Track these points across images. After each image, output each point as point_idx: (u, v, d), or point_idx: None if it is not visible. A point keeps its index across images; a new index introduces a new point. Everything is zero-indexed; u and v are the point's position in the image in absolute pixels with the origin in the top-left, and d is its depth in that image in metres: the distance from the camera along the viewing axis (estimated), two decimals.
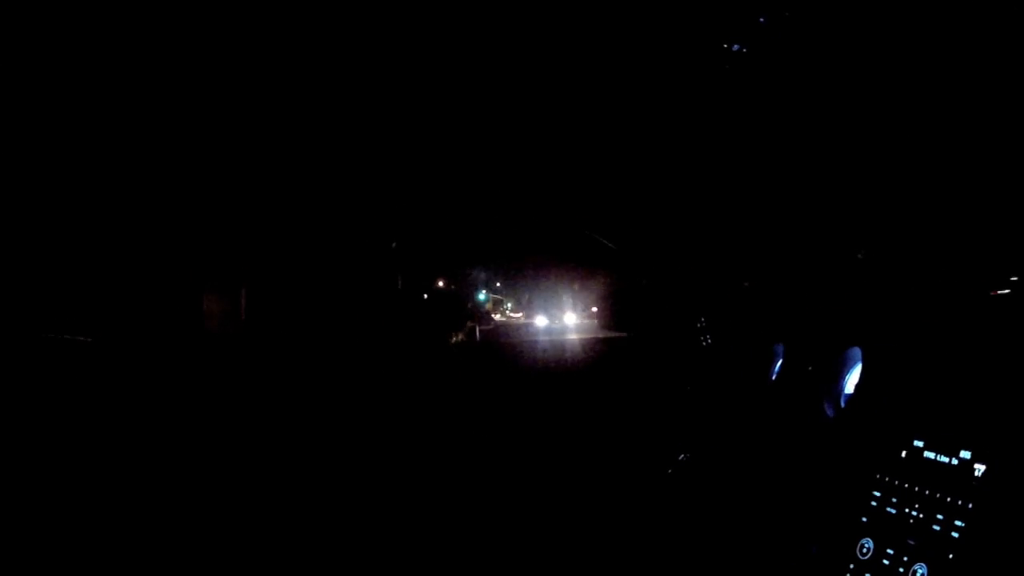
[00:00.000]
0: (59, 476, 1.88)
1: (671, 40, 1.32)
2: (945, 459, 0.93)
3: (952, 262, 1.19)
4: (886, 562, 0.92)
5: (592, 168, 2.00)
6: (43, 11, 1.35)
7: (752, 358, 1.70)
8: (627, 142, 1.81)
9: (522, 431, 2.91)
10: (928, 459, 0.96)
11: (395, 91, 1.68)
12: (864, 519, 1.00)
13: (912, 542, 0.90)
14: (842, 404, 1.30)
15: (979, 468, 0.87)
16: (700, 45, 1.30)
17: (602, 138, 1.82)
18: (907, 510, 0.94)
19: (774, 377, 1.59)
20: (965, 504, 0.86)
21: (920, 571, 0.87)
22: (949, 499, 0.89)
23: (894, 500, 0.97)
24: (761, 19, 1.18)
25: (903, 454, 1.00)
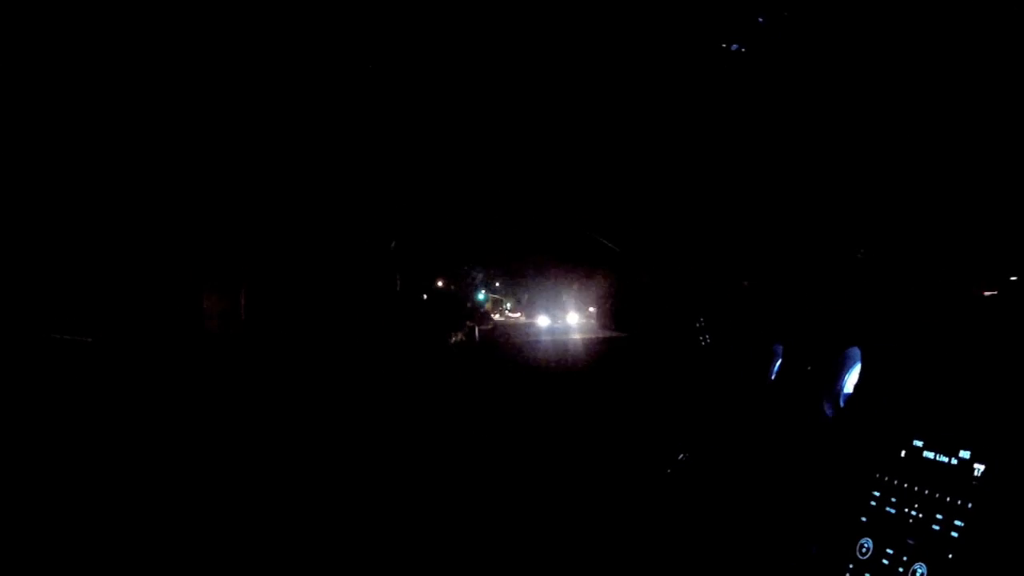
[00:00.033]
0: (60, 476, 1.88)
1: (670, 40, 1.32)
2: (944, 459, 0.93)
3: (951, 262, 1.19)
4: (885, 562, 0.92)
5: (591, 168, 2.00)
6: (43, 11, 1.35)
7: (751, 358, 1.70)
8: (626, 142, 1.81)
9: (522, 431, 2.91)
10: (927, 459, 0.96)
11: (394, 91, 1.68)
12: (864, 519, 1.00)
13: (912, 542, 0.90)
14: (841, 404, 1.30)
15: (978, 468, 0.87)
16: (699, 45, 1.30)
17: (601, 138, 1.82)
18: (906, 510, 0.94)
19: (773, 377, 1.59)
20: (964, 504, 0.86)
21: (920, 571, 0.87)
22: (948, 499, 0.89)
23: (893, 500, 0.97)
24: (760, 19, 1.18)
25: (902, 454, 1.00)
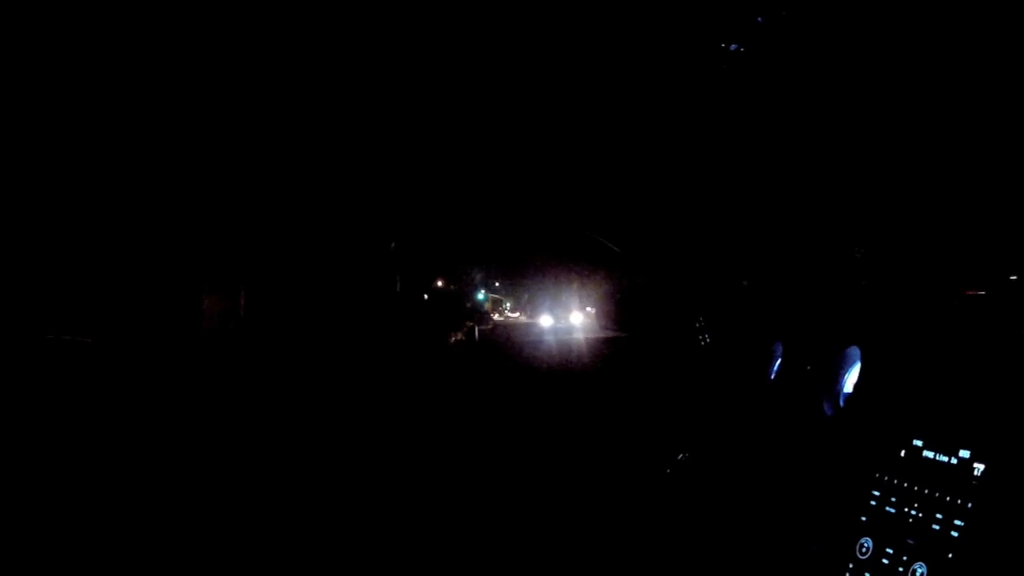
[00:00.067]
0: (60, 475, 1.88)
1: (669, 40, 1.32)
2: (944, 458, 0.93)
3: (951, 261, 1.19)
4: (885, 561, 0.92)
5: (591, 168, 2.00)
6: (43, 11, 1.35)
7: (751, 357, 1.70)
8: (625, 142, 1.81)
9: (522, 431, 2.91)
10: (927, 458, 0.96)
11: (394, 91, 1.68)
12: (863, 518, 1.00)
13: (911, 541, 0.90)
14: (841, 403, 1.30)
15: (978, 467, 0.87)
16: (698, 45, 1.30)
17: (600, 138, 1.82)
18: (906, 509, 0.94)
19: (773, 377, 1.59)
20: (964, 503, 0.86)
21: (920, 570, 0.87)
22: (948, 498, 0.89)
23: (893, 499, 0.97)
24: (759, 19, 1.18)
25: (902, 453, 1.00)
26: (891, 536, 0.94)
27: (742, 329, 1.89)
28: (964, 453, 0.90)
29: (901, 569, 0.89)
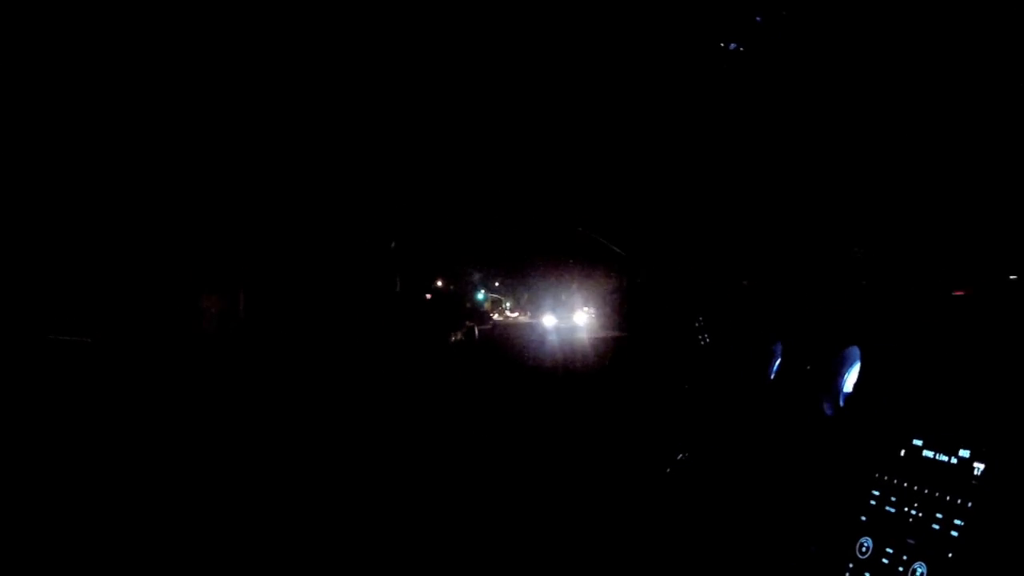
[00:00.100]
0: (60, 474, 1.88)
1: (668, 39, 1.32)
2: (944, 458, 0.93)
3: (951, 261, 1.19)
4: (885, 561, 0.92)
5: (590, 168, 2.00)
6: (43, 11, 1.35)
7: (751, 357, 1.70)
8: (625, 141, 1.81)
9: (522, 430, 2.91)
10: (927, 458, 0.96)
11: (394, 91, 1.68)
12: (863, 518, 1.00)
13: (911, 541, 0.90)
14: (841, 403, 1.30)
15: (978, 467, 0.87)
16: (697, 44, 1.30)
17: (600, 137, 1.82)
18: (906, 509, 0.94)
19: (773, 376, 1.59)
20: (964, 503, 0.86)
21: (919, 570, 0.87)
22: (948, 498, 0.89)
23: (893, 499, 0.97)
24: (758, 18, 1.18)
25: (902, 453, 1.00)
26: (891, 536, 0.94)
27: (742, 329, 1.89)
28: (964, 453, 0.90)
29: (901, 569, 0.89)
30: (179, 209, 2.22)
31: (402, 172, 2.23)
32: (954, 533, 0.85)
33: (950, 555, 0.84)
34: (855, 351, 1.28)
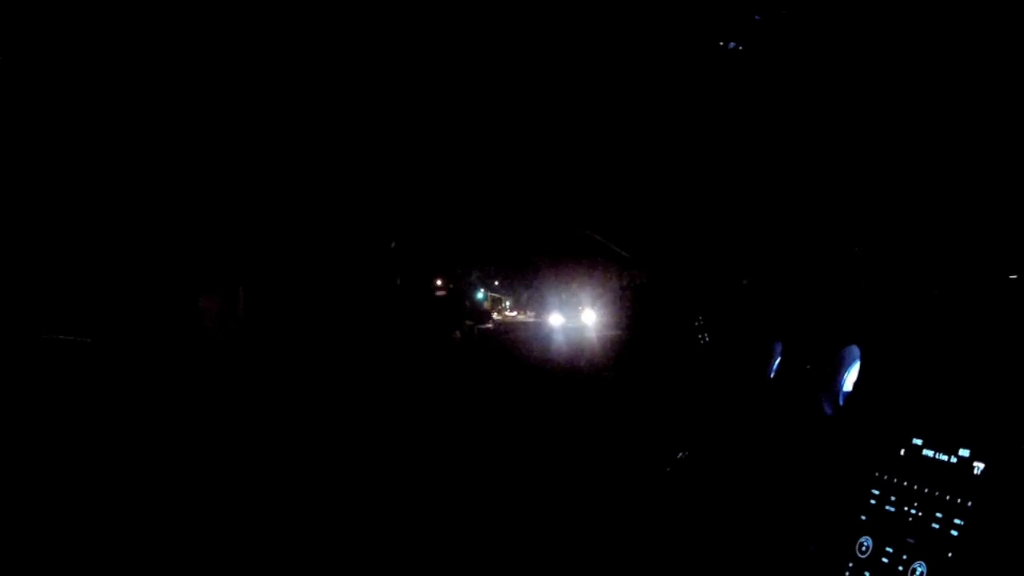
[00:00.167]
0: (60, 473, 1.88)
1: (668, 38, 1.32)
2: (944, 457, 0.93)
3: (950, 259, 1.19)
4: (885, 560, 0.92)
5: (590, 168, 2.00)
6: (43, 12, 1.34)
7: (751, 356, 1.70)
8: (624, 140, 1.81)
9: (522, 430, 2.91)
10: (927, 457, 0.95)
11: (394, 91, 1.68)
12: (863, 517, 1.00)
13: (911, 540, 0.90)
14: (841, 402, 1.30)
15: (978, 466, 0.87)
16: (697, 43, 1.29)
17: (600, 137, 1.82)
18: (906, 508, 0.94)
19: (772, 375, 1.59)
20: (964, 502, 0.86)
21: (919, 569, 0.87)
22: (948, 497, 0.88)
23: (893, 498, 0.97)
24: (757, 17, 1.18)
25: (902, 452, 1.00)
26: (891, 535, 0.94)
27: (742, 328, 1.89)
28: (964, 452, 0.90)
29: (901, 568, 0.89)
30: (179, 209, 2.22)
31: (402, 172, 2.23)
32: (954, 532, 0.85)
33: (950, 554, 0.84)
34: (855, 350, 1.28)
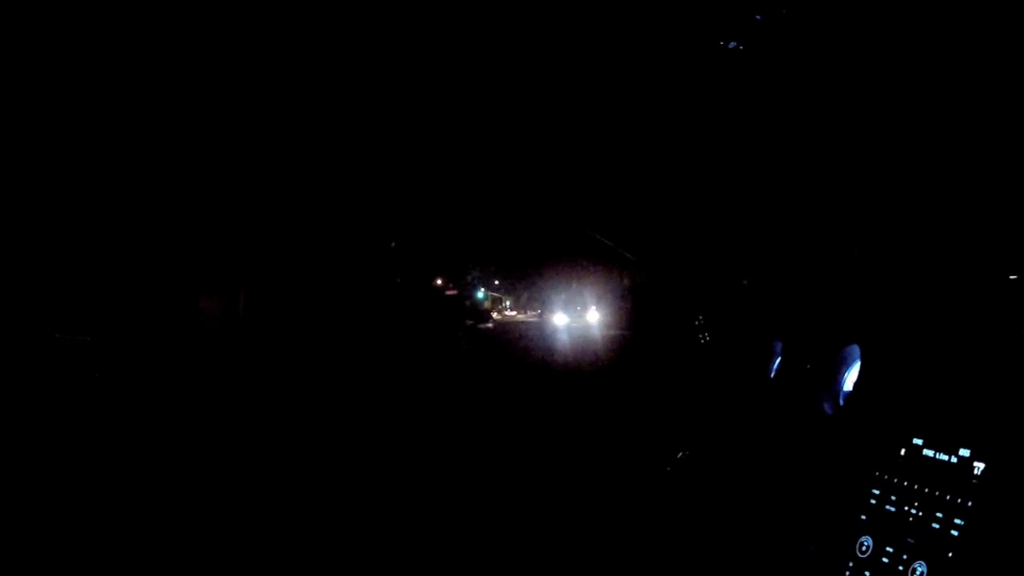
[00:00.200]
0: (59, 472, 1.88)
1: (669, 38, 1.32)
2: (944, 457, 0.93)
3: (951, 259, 1.19)
4: (885, 560, 0.92)
5: (591, 167, 2.00)
6: (43, 12, 1.34)
7: (751, 356, 1.70)
8: (625, 140, 1.81)
9: (522, 429, 2.92)
10: (927, 457, 0.95)
11: (394, 93, 1.67)
12: (863, 517, 1.00)
13: (911, 540, 0.90)
14: (841, 402, 1.30)
15: (978, 466, 0.87)
16: (697, 43, 1.29)
17: (601, 136, 1.81)
18: (906, 508, 0.94)
19: (773, 375, 1.59)
20: (964, 502, 0.86)
21: (919, 569, 0.87)
22: (948, 497, 0.88)
23: (893, 498, 0.97)
24: (758, 17, 1.18)
25: (902, 452, 1.00)
26: (891, 535, 0.94)
27: (742, 327, 1.89)
28: (964, 452, 0.90)
29: (901, 568, 0.89)
30: (179, 209, 2.22)
31: (402, 173, 2.23)
32: (954, 532, 0.85)
33: (950, 554, 0.84)
34: (855, 350, 1.28)
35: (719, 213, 1.98)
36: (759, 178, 1.72)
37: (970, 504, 0.85)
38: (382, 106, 1.78)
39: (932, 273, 1.22)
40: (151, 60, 1.52)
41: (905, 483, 0.96)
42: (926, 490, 0.92)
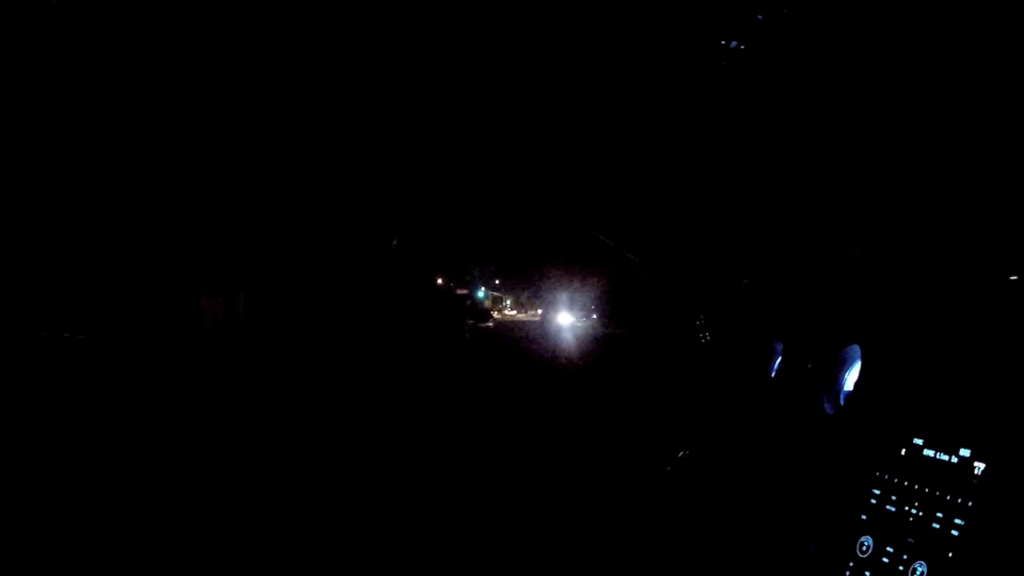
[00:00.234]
0: (58, 472, 1.89)
1: (670, 37, 1.32)
2: (945, 457, 0.93)
3: (951, 259, 1.19)
4: (885, 560, 0.92)
5: (592, 167, 2.00)
6: (44, 11, 1.34)
7: (752, 355, 1.70)
8: (626, 140, 1.81)
9: (522, 429, 2.92)
10: (928, 457, 0.96)
11: (395, 92, 1.68)
12: (864, 517, 1.00)
13: (912, 540, 0.90)
14: (841, 402, 1.30)
15: (979, 466, 0.87)
16: (698, 42, 1.29)
17: (602, 136, 1.81)
18: (907, 508, 0.94)
19: (773, 374, 1.59)
20: (965, 502, 0.86)
21: (920, 569, 0.87)
22: (949, 497, 0.89)
23: (894, 498, 0.97)
24: (759, 16, 1.18)
25: (903, 452, 1.00)
26: (891, 535, 0.94)
27: (743, 327, 1.89)
28: (964, 452, 0.90)
29: (901, 568, 0.89)
30: (179, 208, 2.22)
31: (402, 171, 2.23)
32: (954, 532, 0.85)
33: (950, 554, 0.84)
34: (856, 350, 1.28)
35: (720, 213, 1.98)
36: (760, 178, 1.72)
37: (970, 504, 0.85)
38: (383, 107, 1.78)
39: (932, 273, 1.22)
40: (153, 58, 1.52)
41: (905, 483, 0.96)
42: (926, 490, 0.92)
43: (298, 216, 2.44)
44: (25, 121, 1.73)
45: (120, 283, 2.21)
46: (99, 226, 2.15)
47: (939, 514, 0.88)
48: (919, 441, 0.98)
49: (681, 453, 1.85)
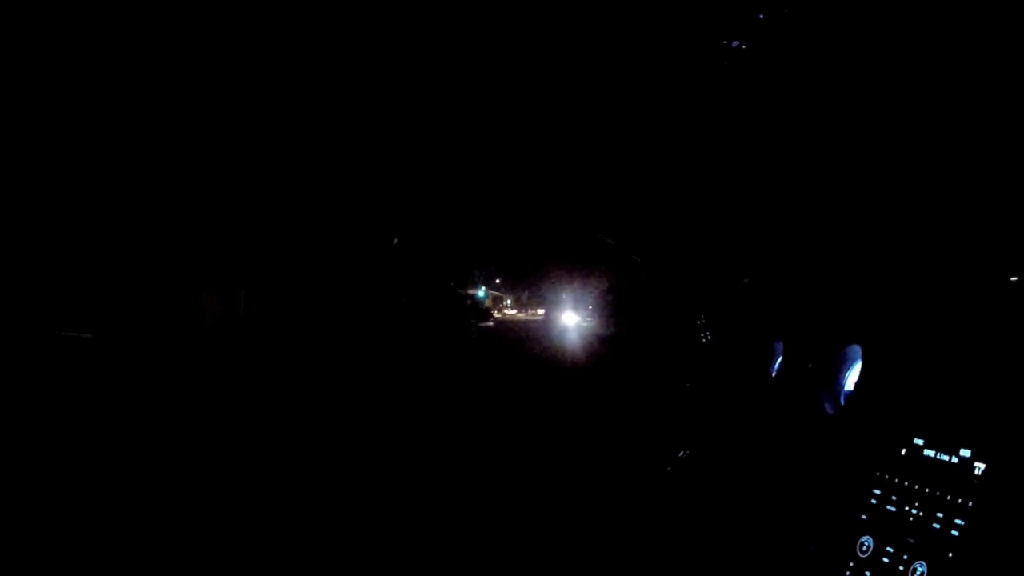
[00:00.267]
0: (59, 471, 1.89)
1: (671, 36, 1.32)
2: (945, 457, 0.93)
3: (951, 260, 1.19)
4: (886, 560, 0.92)
5: (592, 166, 2.00)
6: (44, 10, 1.35)
7: (752, 355, 1.70)
8: (627, 140, 1.81)
9: (522, 429, 2.92)
10: (928, 457, 0.96)
11: (395, 91, 1.68)
12: (864, 517, 1.00)
13: (912, 540, 0.90)
14: (842, 402, 1.30)
15: (979, 466, 0.87)
16: (700, 42, 1.29)
17: (603, 136, 1.81)
18: (907, 508, 0.94)
19: (774, 374, 1.59)
20: (965, 502, 0.86)
21: (920, 569, 0.87)
22: (949, 497, 0.89)
23: (894, 498, 0.97)
24: (760, 16, 1.18)
25: (903, 452, 1.00)
26: (892, 535, 0.94)
27: (743, 327, 1.89)
28: (965, 452, 0.90)
29: (901, 568, 0.90)
30: (180, 207, 2.22)
31: (403, 169, 2.23)
32: (955, 532, 0.85)
33: (950, 554, 0.84)
34: (856, 350, 1.28)
35: (720, 213, 1.98)
36: (761, 177, 1.72)
37: (970, 504, 0.86)
38: (384, 107, 1.78)
39: (933, 274, 1.22)
40: (154, 57, 1.52)
41: (906, 483, 0.96)
42: (927, 490, 0.93)
43: (299, 214, 2.44)
44: (26, 121, 1.73)
45: (121, 282, 2.21)
46: (100, 226, 2.15)
47: (939, 514, 0.88)
48: (919, 441, 0.98)
49: (681, 453, 1.85)
